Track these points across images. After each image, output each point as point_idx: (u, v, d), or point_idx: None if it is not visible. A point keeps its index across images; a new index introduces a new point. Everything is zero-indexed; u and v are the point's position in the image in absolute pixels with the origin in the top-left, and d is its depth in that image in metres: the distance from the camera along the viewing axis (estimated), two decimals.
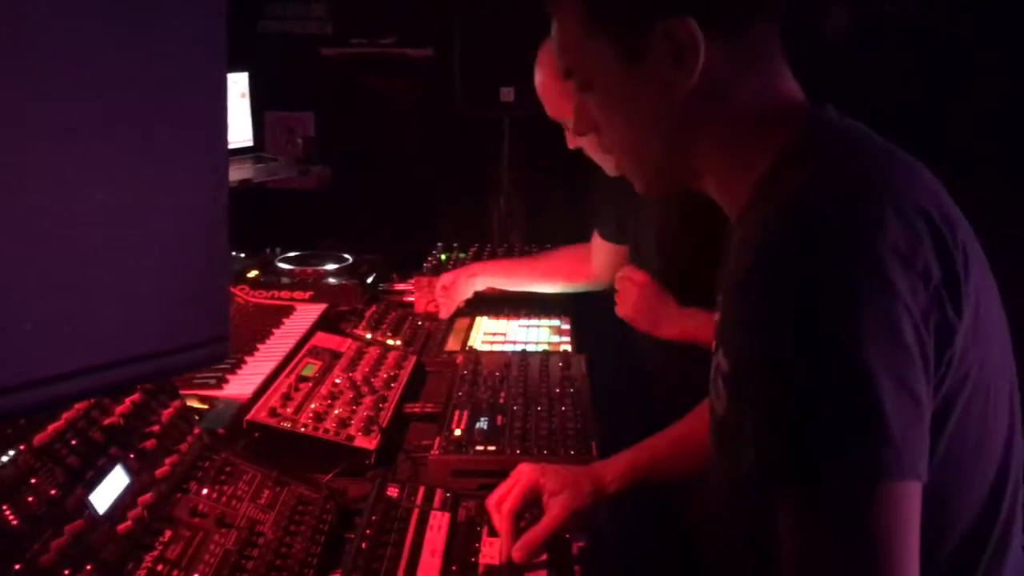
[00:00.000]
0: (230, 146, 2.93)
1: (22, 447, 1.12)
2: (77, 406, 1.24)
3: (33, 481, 1.10)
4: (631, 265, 2.05)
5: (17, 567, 1.01)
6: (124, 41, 0.66)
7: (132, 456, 1.29)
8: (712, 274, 1.23)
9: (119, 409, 1.32)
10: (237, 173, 2.90)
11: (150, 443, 1.33)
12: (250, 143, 3.15)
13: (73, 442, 1.20)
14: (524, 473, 1.40)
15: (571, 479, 1.39)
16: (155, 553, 1.20)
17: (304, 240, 3.01)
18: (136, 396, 1.36)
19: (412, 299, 2.53)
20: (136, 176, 0.67)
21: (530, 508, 1.37)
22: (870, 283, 0.86)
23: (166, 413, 1.42)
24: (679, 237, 1.91)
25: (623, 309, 1.99)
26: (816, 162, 0.98)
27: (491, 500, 1.40)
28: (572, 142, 1.96)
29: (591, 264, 2.36)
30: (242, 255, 2.75)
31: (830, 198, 0.91)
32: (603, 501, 1.42)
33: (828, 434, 0.85)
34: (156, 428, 1.37)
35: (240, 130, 3.11)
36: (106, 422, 1.28)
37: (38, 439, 1.14)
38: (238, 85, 3.09)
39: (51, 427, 1.17)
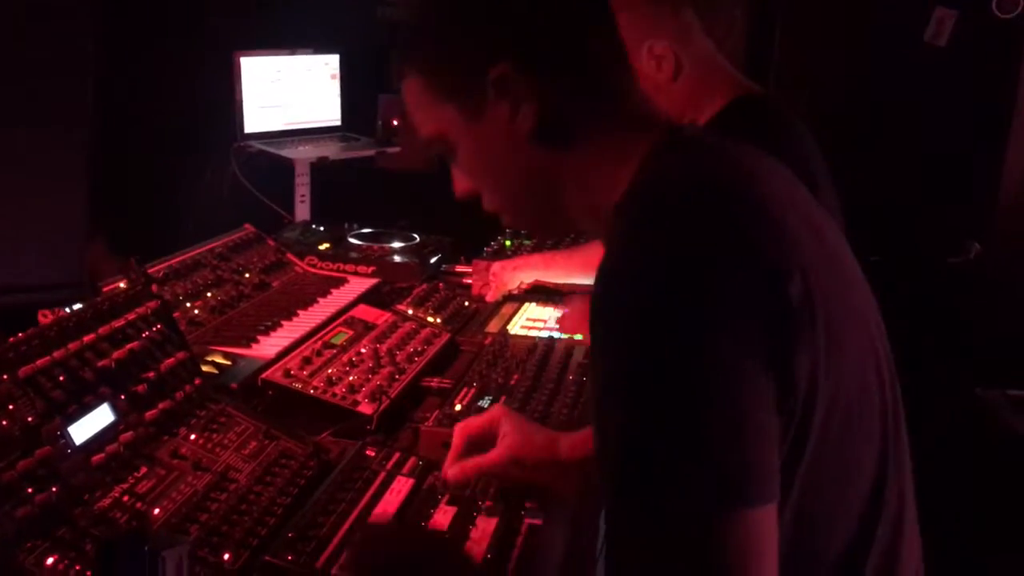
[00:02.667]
0: (318, 125, 3.09)
1: (5, 376, 1.25)
2: (70, 346, 1.37)
3: (11, 407, 1.23)
4: None
5: None
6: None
7: (123, 397, 1.42)
8: None
9: (116, 354, 1.45)
10: (319, 151, 3.05)
11: (142, 387, 1.45)
12: (338, 123, 3.29)
13: (61, 378, 1.33)
14: (494, 410, 1.49)
15: (528, 430, 1.45)
16: (125, 485, 1.32)
17: (403, 218, 3.13)
18: (135, 344, 1.49)
19: (471, 281, 2.61)
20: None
21: (487, 441, 1.45)
22: (697, 314, 0.85)
23: (167, 362, 1.54)
24: None
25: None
26: (654, 187, 0.97)
27: (460, 423, 1.49)
28: None
29: None
30: (320, 228, 2.90)
31: (660, 228, 0.90)
32: (559, 468, 1.45)
33: (666, 469, 0.84)
34: (152, 375, 1.49)
35: (329, 110, 3.26)
36: (100, 364, 1.41)
37: (23, 371, 1.28)
38: (329, 67, 3.23)
39: (39, 361, 1.31)
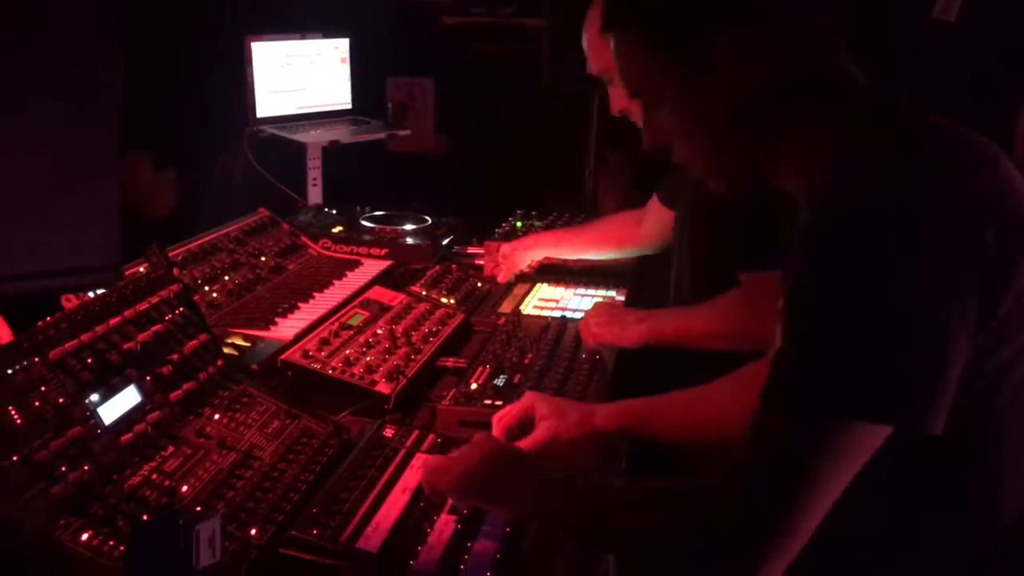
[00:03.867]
0: (329, 108, 3.11)
1: (36, 359, 1.29)
2: (97, 329, 1.40)
3: (43, 389, 1.27)
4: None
5: (15, 459, 1.17)
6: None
7: (148, 378, 1.45)
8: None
9: (141, 336, 1.48)
10: (331, 134, 3.07)
11: (167, 369, 1.49)
12: (348, 106, 3.31)
13: (89, 360, 1.36)
14: (526, 397, 1.58)
15: (562, 409, 1.53)
16: (153, 464, 1.36)
17: (413, 200, 3.16)
18: (159, 327, 1.53)
19: (483, 262, 2.64)
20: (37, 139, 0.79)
21: (525, 427, 1.53)
22: (915, 247, 0.93)
23: (190, 344, 1.57)
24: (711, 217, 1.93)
25: (588, 337, 2.03)
26: (884, 146, 1.04)
27: (495, 415, 1.56)
28: (615, 106, 2.03)
29: (641, 228, 2.39)
30: (333, 211, 2.93)
31: (893, 178, 0.99)
32: (596, 439, 1.53)
33: (829, 366, 0.94)
34: (176, 356, 1.52)
35: (340, 94, 3.28)
36: (126, 346, 1.44)
37: (53, 353, 1.31)
38: (339, 51, 3.24)
39: (68, 344, 1.34)
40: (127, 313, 1.49)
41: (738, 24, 1.05)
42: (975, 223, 0.95)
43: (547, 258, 2.55)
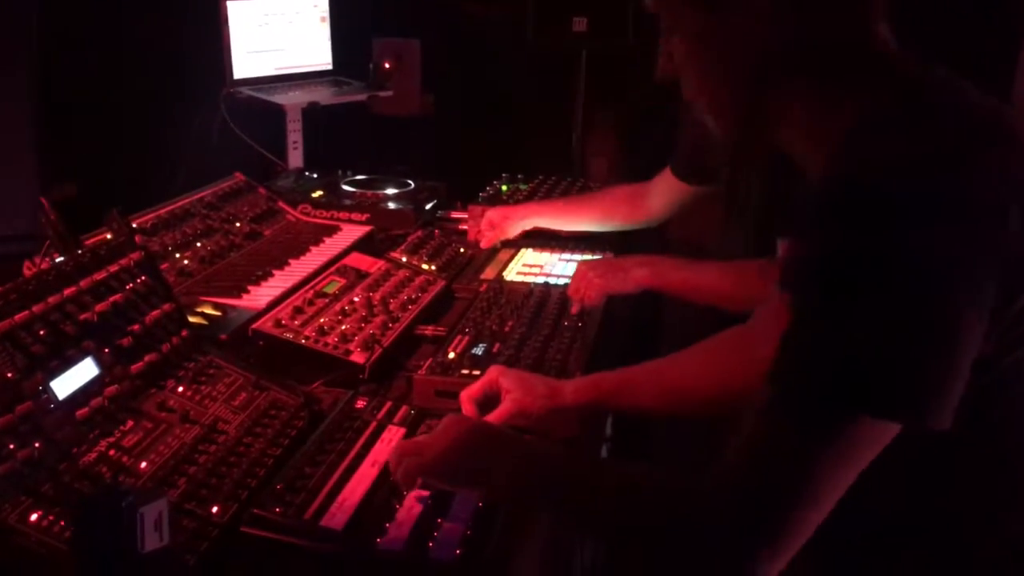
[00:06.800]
0: (308, 69, 3.04)
1: None
2: (50, 299, 1.34)
3: None
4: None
5: None
6: None
7: (107, 350, 1.39)
8: None
9: (99, 307, 1.42)
10: (311, 96, 2.99)
11: (127, 340, 1.43)
12: (329, 67, 3.22)
13: (41, 332, 1.30)
14: (490, 372, 1.53)
15: (528, 382, 1.49)
16: (111, 440, 1.30)
17: (397, 164, 3.09)
18: (118, 297, 1.46)
19: (467, 227, 2.57)
20: None
21: (491, 401, 1.50)
22: (930, 229, 0.87)
23: (152, 314, 1.51)
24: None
25: (590, 291, 1.97)
26: (906, 123, 0.96)
27: (463, 393, 1.53)
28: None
29: (647, 201, 2.32)
30: (314, 175, 2.85)
31: (911, 155, 0.91)
32: (568, 414, 1.49)
33: (833, 356, 0.88)
34: (137, 327, 1.46)
35: (319, 54, 3.19)
36: (82, 317, 1.38)
37: (1, 326, 1.25)
38: (318, 9, 3.15)
39: (18, 316, 1.28)
40: (83, 283, 1.42)
41: None
42: (999, 206, 0.89)
43: (536, 227, 2.48)
